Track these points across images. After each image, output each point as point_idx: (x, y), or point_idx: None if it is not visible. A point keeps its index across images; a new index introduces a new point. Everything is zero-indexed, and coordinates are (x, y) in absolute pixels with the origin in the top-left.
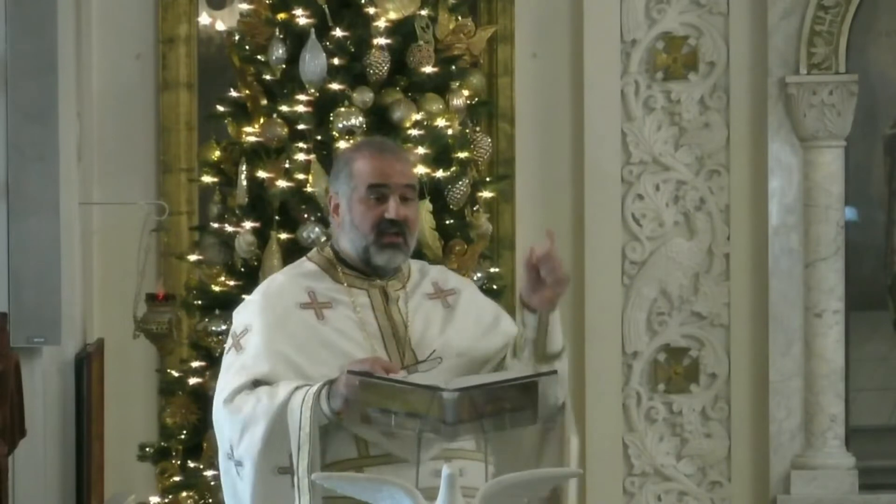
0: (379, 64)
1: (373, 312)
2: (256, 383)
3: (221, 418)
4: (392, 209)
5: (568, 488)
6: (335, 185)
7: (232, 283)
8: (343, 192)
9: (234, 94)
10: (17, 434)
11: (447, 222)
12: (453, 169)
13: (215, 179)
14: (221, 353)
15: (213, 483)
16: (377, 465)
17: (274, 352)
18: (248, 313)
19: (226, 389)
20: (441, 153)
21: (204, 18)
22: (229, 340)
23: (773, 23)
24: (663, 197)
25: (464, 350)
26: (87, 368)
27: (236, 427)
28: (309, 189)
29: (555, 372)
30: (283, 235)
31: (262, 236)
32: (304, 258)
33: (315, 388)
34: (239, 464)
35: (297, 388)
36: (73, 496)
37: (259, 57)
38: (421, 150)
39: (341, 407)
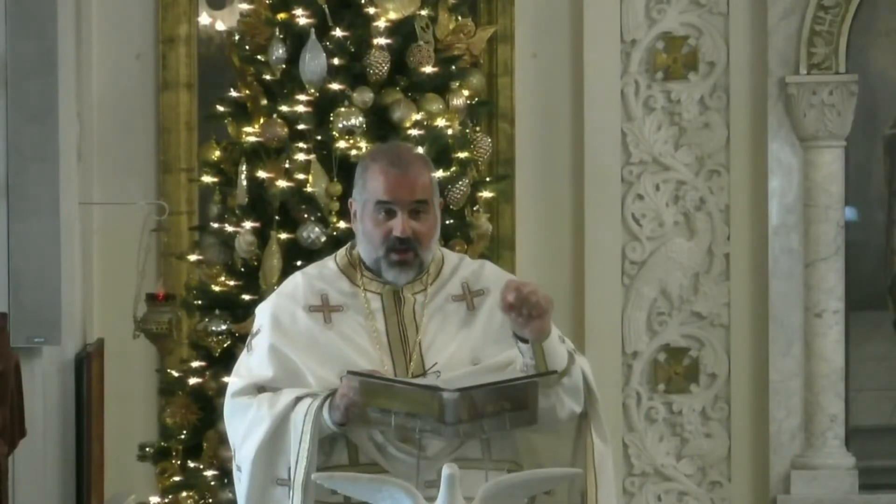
0: (379, 64)
1: (383, 317)
2: (260, 388)
3: (227, 417)
4: (398, 227)
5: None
6: (354, 191)
7: (232, 283)
8: (359, 202)
9: (234, 94)
10: (17, 434)
11: (447, 222)
12: (453, 169)
13: (215, 179)
14: (221, 353)
15: (213, 483)
16: (368, 471)
17: (277, 356)
18: (263, 313)
19: (231, 389)
20: (441, 153)
21: (204, 18)
22: (248, 338)
23: (773, 23)
24: (663, 197)
25: (477, 357)
26: (87, 368)
27: (238, 432)
28: (309, 189)
29: (555, 372)
30: (283, 235)
31: (262, 236)
32: (332, 256)
33: (317, 401)
34: (238, 468)
35: (298, 399)
36: (73, 496)
37: (259, 57)
38: (421, 150)
39: (342, 418)
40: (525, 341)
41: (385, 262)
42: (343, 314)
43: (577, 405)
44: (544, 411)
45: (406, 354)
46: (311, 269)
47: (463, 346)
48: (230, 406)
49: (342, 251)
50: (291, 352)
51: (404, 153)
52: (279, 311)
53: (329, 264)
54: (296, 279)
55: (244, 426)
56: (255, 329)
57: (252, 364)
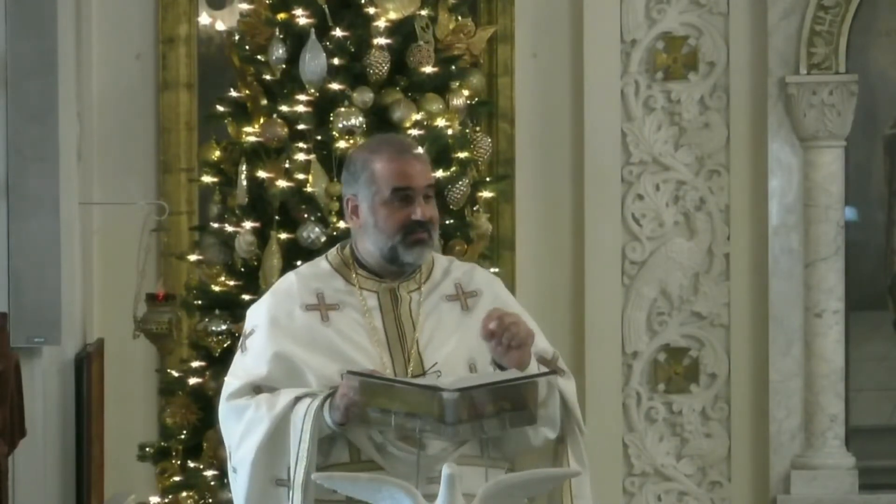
0: (379, 64)
1: (380, 316)
2: (257, 388)
3: (222, 420)
4: (419, 212)
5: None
6: (353, 187)
7: (232, 283)
8: (364, 196)
9: (234, 94)
10: (17, 434)
11: (447, 222)
12: (453, 169)
13: (215, 179)
14: (221, 353)
15: (212, 483)
16: (369, 470)
17: (274, 354)
18: (257, 313)
19: (226, 391)
20: (441, 153)
21: (204, 18)
22: (240, 339)
23: (773, 23)
24: (663, 197)
25: (473, 358)
26: (87, 368)
27: (235, 434)
28: (309, 189)
29: (555, 372)
30: (283, 235)
31: (262, 236)
32: (322, 256)
33: (317, 401)
34: (234, 470)
35: (297, 400)
36: (73, 496)
37: (259, 57)
38: (421, 150)
39: (342, 418)
40: (503, 369)
41: (402, 246)
42: (340, 312)
43: (553, 433)
44: (519, 438)
45: (405, 352)
46: (304, 268)
47: (460, 346)
48: (226, 408)
49: (333, 251)
50: (291, 349)
51: (405, 142)
52: (276, 309)
53: (321, 264)
54: (289, 278)
55: (241, 427)
56: (248, 329)
57: (247, 364)
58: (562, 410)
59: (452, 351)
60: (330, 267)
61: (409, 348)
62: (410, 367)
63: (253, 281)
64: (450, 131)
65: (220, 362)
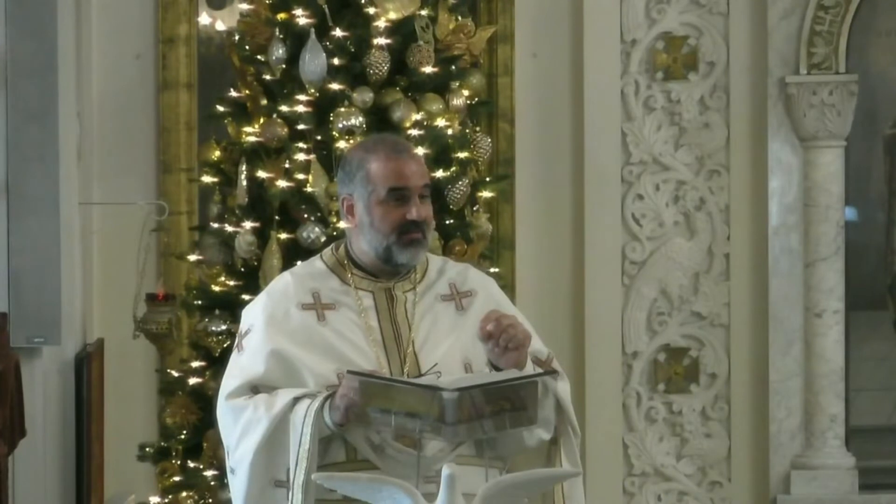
0: (379, 64)
1: (376, 315)
2: (255, 387)
3: (220, 420)
4: (414, 212)
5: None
6: (349, 187)
7: (232, 283)
8: (360, 195)
9: (234, 94)
10: (17, 434)
11: (447, 222)
12: (453, 169)
13: (215, 179)
14: (221, 353)
15: (213, 483)
16: (365, 469)
17: (270, 352)
18: (253, 313)
19: (224, 391)
20: (441, 153)
21: (204, 18)
22: (236, 339)
23: (773, 23)
24: (663, 197)
25: (468, 358)
26: (87, 368)
27: (233, 434)
28: (309, 189)
29: (555, 371)
30: (283, 235)
31: (262, 236)
32: (317, 256)
33: (317, 402)
34: (232, 471)
35: (296, 400)
36: (73, 496)
37: (259, 57)
38: (421, 150)
39: (342, 419)
40: (499, 371)
41: (397, 246)
42: (336, 312)
43: (547, 433)
44: (513, 438)
45: (400, 352)
46: (299, 268)
47: (455, 345)
48: (224, 408)
49: (328, 251)
50: (287, 347)
51: (401, 142)
52: (273, 308)
53: (316, 263)
54: (285, 278)
55: (239, 428)
56: (243, 329)
57: (244, 363)
58: (556, 411)
59: (448, 351)
60: (325, 267)
61: (405, 348)
62: (406, 367)
63: (253, 281)
64: (450, 131)
65: (219, 362)
